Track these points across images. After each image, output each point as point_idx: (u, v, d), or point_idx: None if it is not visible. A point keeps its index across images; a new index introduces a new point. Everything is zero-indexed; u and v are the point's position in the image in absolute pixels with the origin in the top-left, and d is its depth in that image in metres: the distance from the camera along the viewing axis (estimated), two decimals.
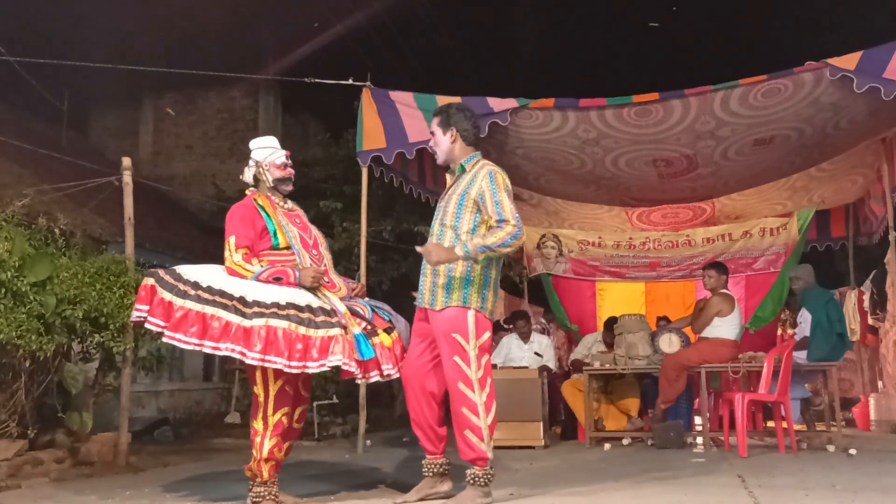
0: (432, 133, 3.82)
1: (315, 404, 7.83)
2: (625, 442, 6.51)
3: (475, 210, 3.58)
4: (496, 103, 6.06)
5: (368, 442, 6.53)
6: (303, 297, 3.50)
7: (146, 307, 3.45)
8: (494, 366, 7.03)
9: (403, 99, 6.31)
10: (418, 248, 3.55)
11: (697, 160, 6.94)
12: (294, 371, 3.35)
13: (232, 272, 3.57)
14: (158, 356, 6.06)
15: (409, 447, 6.80)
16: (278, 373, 3.46)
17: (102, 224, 9.07)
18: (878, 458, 5.25)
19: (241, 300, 3.40)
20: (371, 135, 6.34)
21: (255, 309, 3.36)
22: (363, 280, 4.21)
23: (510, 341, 7.32)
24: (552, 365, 7.38)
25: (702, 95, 5.85)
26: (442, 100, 6.22)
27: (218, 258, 3.87)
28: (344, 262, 9.72)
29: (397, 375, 3.64)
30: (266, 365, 3.33)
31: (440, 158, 3.81)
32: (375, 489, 4.19)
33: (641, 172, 7.25)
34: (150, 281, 3.52)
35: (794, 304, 7.21)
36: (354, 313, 3.62)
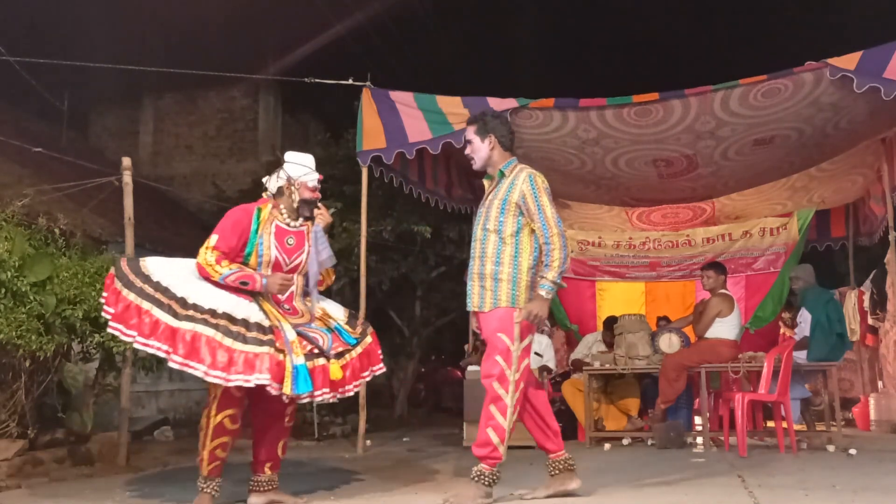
0: (469, 141, 3.86)
1: (315, 404, 7.83)
2: (625, 442, 6.51)
3: (517, 213, 3.68)
4: (496, 103, 6.06)
5: (368, 442, 6.52)
6: (244, 310, 3.44)
7: (105, 294, 3.52)
8: None
9: (403, 99, 6.31)
10: (518, 319, 3.57)
11: (697, 160, 6.94)
12: (214, 381, 3.28)
13: (201, 268, 3.55)
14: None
15: (409, 447, 6.81)
16: None
17: (102, 224, 9.07)
18: (878, 458, 5.25)
19: (182, 301, 3.37)
20: (371, 135, 6.33)
21: (189, 312, 3.33)
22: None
23: None
24: (552, 365, 7.38)
25: (702, 95, 5.85)
26: (442, 100, 6.23)
27: None
28: (344, 262, 9.70)
29: (332, 401, 3.61)
30: (188, 370, 3.28)
31: (478, 165, 3.86)
32: (375, 489, 4.20)
33: (641, 172, 7.25)
34: (112, 269, 3.60)
35: (795, 303, 7.20)
36: (304, 337, 3.52)
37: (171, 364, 3.30)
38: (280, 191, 3.81)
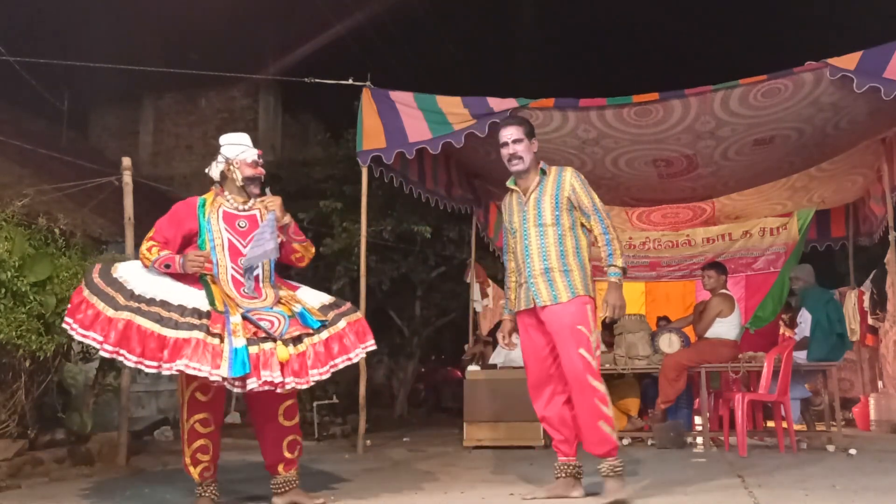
0: (518, 140, 3.86)
1: (315, 404, 7.83)
2: (625, 442, 6.50)
3: (570, 208, 3.82)
4: (496, 103, 6.06)
5: (368, 442, 6.52)
6: (182, 297, 3.42)
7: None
8: (494, 366, 7.04)
9: (403, 99, 6.30)
10: (608, 319, 3.82)
11: (697, 160, 6.94)
12: (149, 370, 3.26)
13: (141, 258, 3.62)
14: None
15: (409, 447, 6.80)
16: (189, 379, 3.41)
17: (102, 224, 9.07)
18: (878, 458, 5.25)
19: (128, 293, 3.40)
20: (371, 135, 6.33)
21: (129, 303, 3.35)
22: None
23: None
24: None
25: (702, 95, 5.85)
26: (442, 100, 6.22)
27: None
28: (344, 262, 9.70)
29: (290, 386, 3.35)
30: (119, 358, 3.28)
31: (526, 164, 3.87)
32: (375, 489, 4.19)
33: (641, 172, 7.25)
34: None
35: (795, 304, 7.21)
36: (250, 321, 3.41)
37: (102, 353, 3.31)
38: (223, 175, 3.79)
